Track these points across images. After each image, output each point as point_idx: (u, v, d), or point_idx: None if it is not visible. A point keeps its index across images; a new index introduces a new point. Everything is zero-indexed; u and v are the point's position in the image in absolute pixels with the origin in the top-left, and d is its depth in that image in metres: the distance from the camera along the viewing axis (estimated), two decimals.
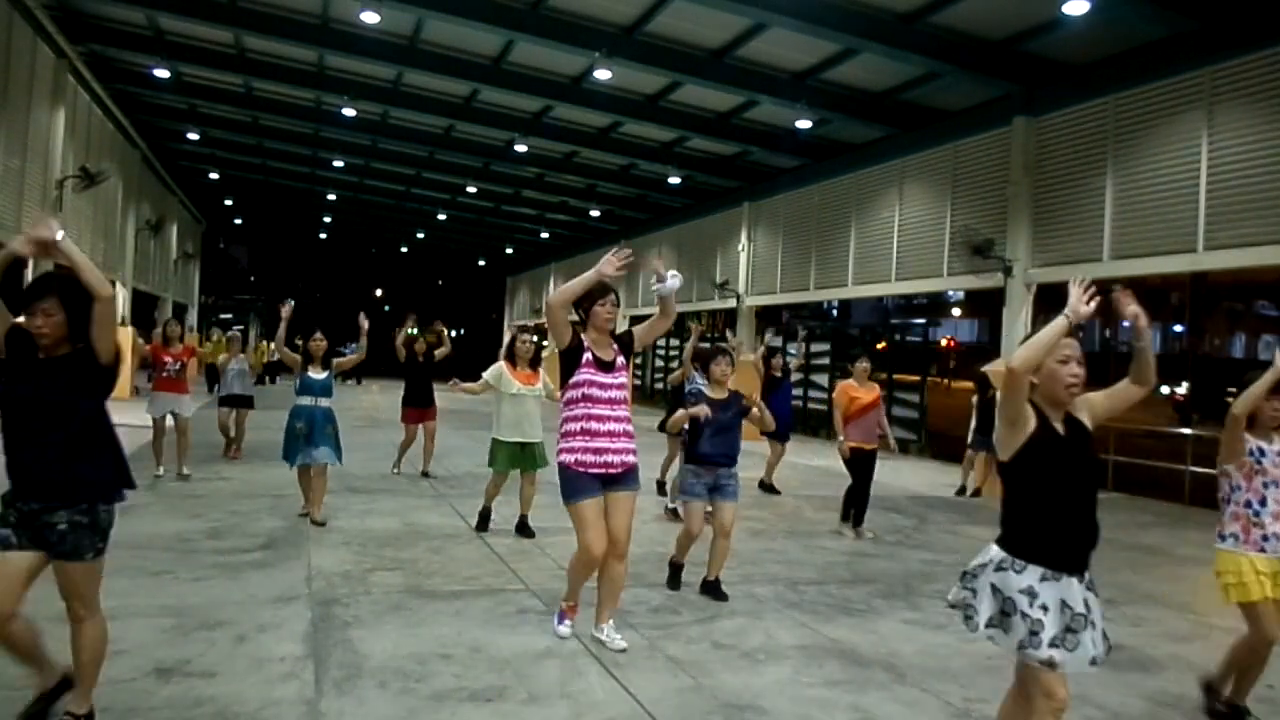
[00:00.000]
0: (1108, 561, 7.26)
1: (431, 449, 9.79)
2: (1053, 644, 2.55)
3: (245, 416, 10.50)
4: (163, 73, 15.23)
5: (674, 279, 4.23)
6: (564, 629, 4.44)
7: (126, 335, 18.82)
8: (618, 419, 4.21)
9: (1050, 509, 2.64)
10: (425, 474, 9.66)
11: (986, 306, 41.77)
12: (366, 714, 3.47)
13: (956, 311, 52.76)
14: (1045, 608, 2.57)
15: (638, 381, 25.84)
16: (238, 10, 12.38)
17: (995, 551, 2.71)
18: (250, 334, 38.70)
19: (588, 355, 4.19)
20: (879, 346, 19.59)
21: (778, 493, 9.80)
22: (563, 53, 12.58)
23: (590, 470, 4.15)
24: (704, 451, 5.39)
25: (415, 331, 10.25)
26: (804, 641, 4.69)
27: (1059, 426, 2.70)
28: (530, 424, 6.83)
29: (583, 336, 4.27)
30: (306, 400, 6.90)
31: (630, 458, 4.25)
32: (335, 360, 7.31)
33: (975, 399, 10.91)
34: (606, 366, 4.23)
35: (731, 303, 19.47)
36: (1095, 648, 2.62)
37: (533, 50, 12.81)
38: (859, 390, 7.59)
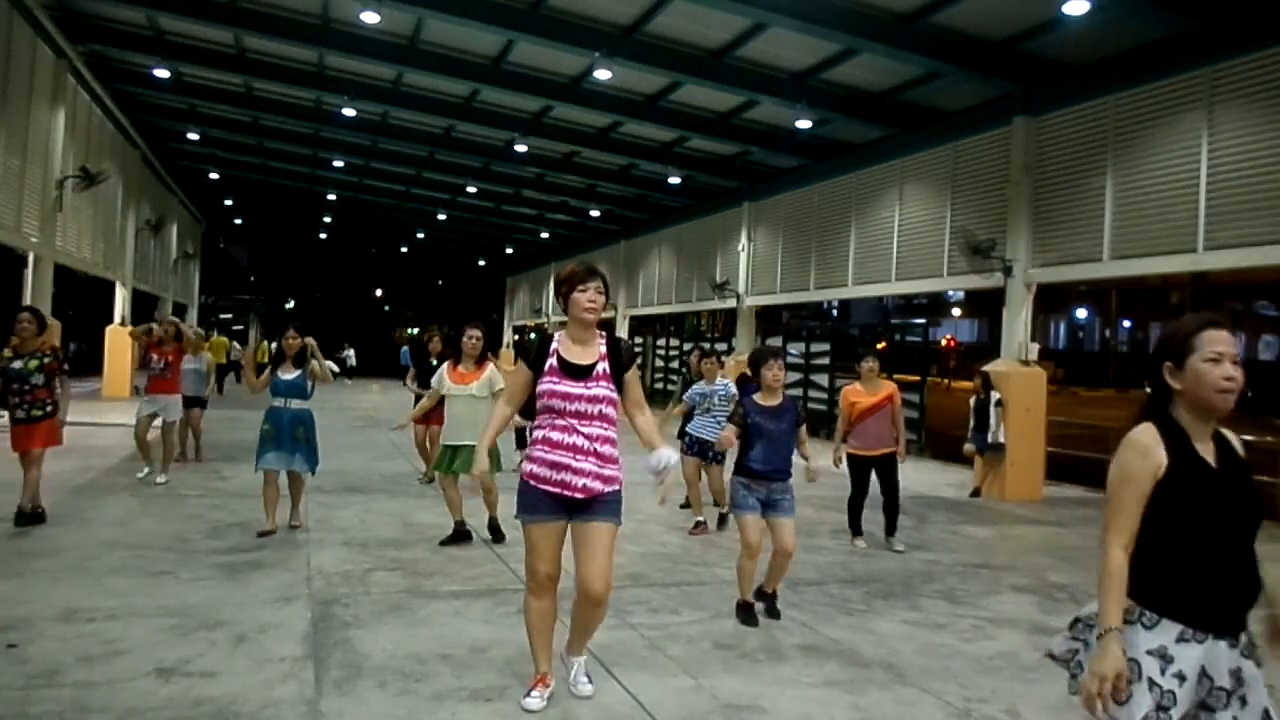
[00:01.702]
0: None
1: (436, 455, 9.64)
2: None
3: (199, 418, 10.20)
4: (163, 73, 15.23)
5: (664, 460, 3.50)
6: (533, 701, 3.55)
7: (126, 335, 18.82)
8: (588, 435, 3.45)
9: (1194, 553, 2.07)
10: (430, 479, 9.47)
11: (986, 306, 41.80)
12: (366, 714, 3.47)
13: (956, 311, 52.82)
14: (1181, 677, 2.00)
15: None
16: (238, 10, 12.37)
17: (1127, 601, 2.12)
18: (251, 334, 38.81)
19: (552, 361, 3.52)
20: (879, 346, 19.60)
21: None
22: (563, 53, 12.57)
23: (544, 487, 3.46)
24: (755, 466, 4.93)
25: (416, 331, 10.22)
26: (804, 641, 4.69)
27: (1207, 453, 2.13)
28: (464, 425, 6.23)
29: (556, 338, 3.61)
30: (277, 402, 6.55)
31: (599, 485, 3.45)
32: (315, 363, 6.73)
33: (974, 399, 10.91)
34: (577, 372, 3.50)
35: (731, 303, 19.47)
36: None
37: (533, 50, 12.80)
38: (860, 394, 7.18)
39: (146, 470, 8.74)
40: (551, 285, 4.29)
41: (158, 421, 8.87)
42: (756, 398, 5.16)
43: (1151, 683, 2.01)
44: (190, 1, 12.19)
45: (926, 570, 6.60)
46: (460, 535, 6.57)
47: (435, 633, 4.46)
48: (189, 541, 6.21)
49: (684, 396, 8.21)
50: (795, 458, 5.16)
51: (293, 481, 6.71)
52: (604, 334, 3.65)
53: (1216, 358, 2.11)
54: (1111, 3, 9.27)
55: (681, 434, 8.46)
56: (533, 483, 3.50)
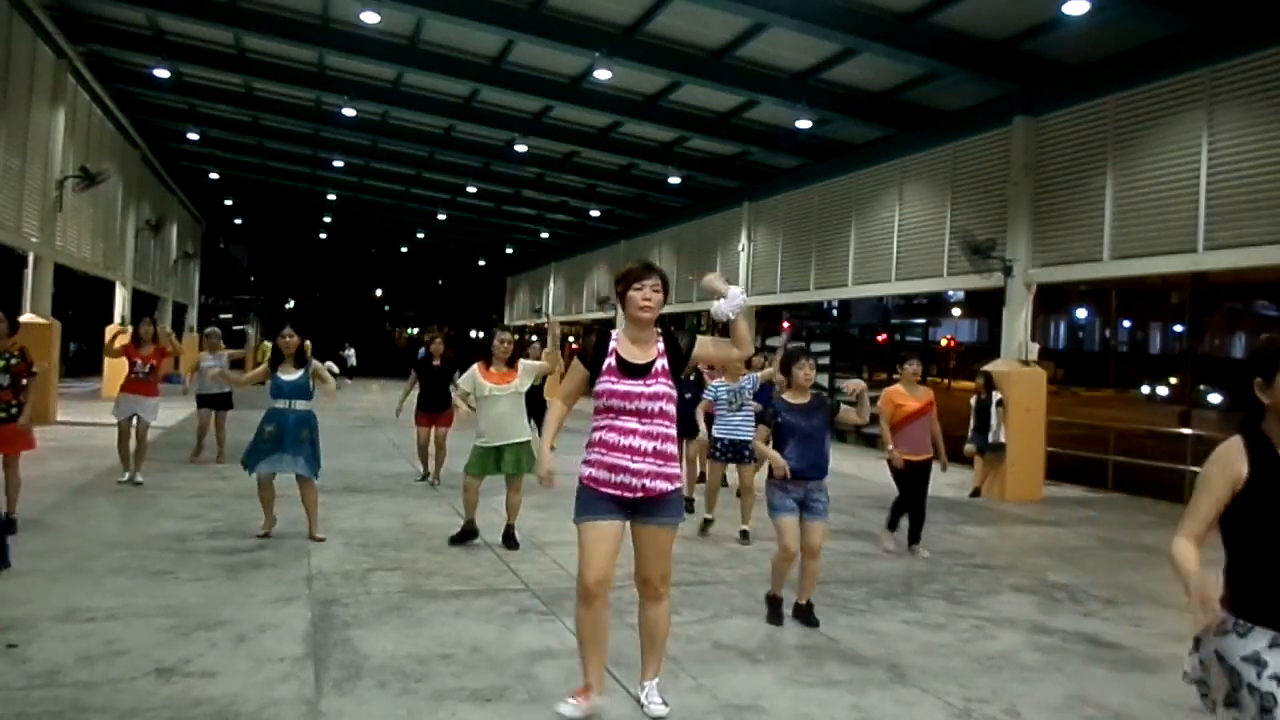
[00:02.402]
0: (1108, 561, 7.27)
1: (443, 458, 9.41)
2: None
3: (224, 418, 10.22)
4: (163, 73, 15.22)
5: (734, 298, 3.52)
6: (567, 708, 3.41)
7: (126, 335, 18.83)
8: (647, 434, 3.41)
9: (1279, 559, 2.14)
10: (433, 483, 9.34)
11: (986, 306, 41.79)
12: (366, 714, 3.47)
13: (956, 311, 52.81)
14: (1278, 679, 2.06)
15: None
16: (238, 10, 12.37)
17: (1221, 611, 2.20)
18: (251, 334, 38.80)
19: (610, 361, 3.50)
20: (879, 339, 19.58)
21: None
22: (563, 53, 12.57)
23: (603, 489, 3.42)
24: (792, 465, 4.85)
25: (416, 332, 10.22)
26: (804, 641, 4.69)
27: None
28: (510, 424, 6.29)
29: (612, 335, 3.60)
30: (280, 404, 6.30)
31: (660, 483, 3.42)
32: (317, 364, 6.62)
33: (974, 399, 10.90)
34: (636, 371, 3.48)
35: None
36: None
37: (533, 50, 12.80)
38: (905, 397, 6.94)
39: (126, 476, 8.47)
40: (616, 281, 4.10)
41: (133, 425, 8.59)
42: (786, 396, 5.12)
43: (1251, 688, 2.09)
44: (190, 1, 12.19)
45: (926, 570, 6.60)
46: (468, 534, 6.57)
47: (435, 633, 4.46)
48: (189, 541, 6.21)
49: (704, 395, 7.79)
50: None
51: (305, 490, 6.43)
52: (660, 330, 3.63)
53: None
54: (1111, 3, 9.26)
55: (686, 431, 8.34)
56: (591, 485, 3.45)
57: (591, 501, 3.44)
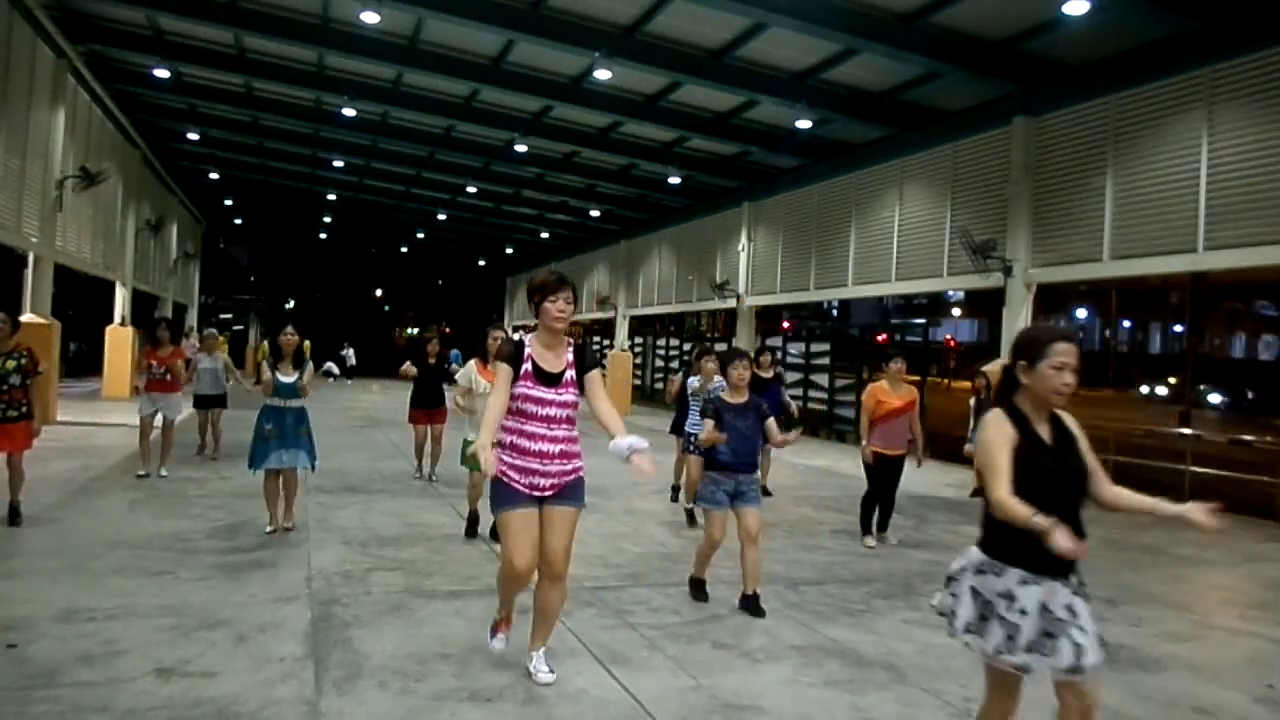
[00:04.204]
0: (1108, 561, 7.27)
1: (438, 452, 9.63)
2: (1028, 649, 2.52)
3: (219, 417, 10.33)
4: (163, 73, 15.23)
5: (629, 448, 3.58)
6: (498, 644, 4.03)
7: (126, 335, 18.84)
8: (554, 439, 3.72)
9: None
10: (430, 478, 9.51)
11: (986, 306, 41.81)
12: (366, 714, 3.47)
13: (956, 311, 52.86)
14: (1024, 611, 2.54)
15: (637, 381, 25.85)
16: (238, 10, 12.38)
17: (975, 554, 2.68)
18: (251, 334, 38.78)
19: (527, 366, 3.72)
20: (879, 339, 19.57)
21: (769, 494, 9.80)
22: (563, 53, 12.58)
23: (517, 485, 3.72)
24: (724, 458, 5.20)
25: (416, 332, 10.32)
26: (804, 641, 4.69)
27: (1044, 432, 2.67)
28: None
29: (527, 341, 3.80)
30: (276, 402, 6.49)
31: (566, 478, 3.76)
32: (315, 365, 6.88)
33: (974, 399, 10.89)
34: (550, 379, 3.73)
35: (731, 303, 19.47)
36: (1081, 654, 2.51)
37: (533, 50, 12.81)
38: (888, 394, 7.11)
39: (144, 470, 8.76)
40: (531, 291, 4.33)
41: (159, 420, 8.99)
42: (724, 395, 5.47)
43: (1001, 618, 2.55)
44: (190, 1, 12.19)
45: (926, 570, 6.60)
46: (475, 521, 6.89)
47: (435, 633, 4.46)
48: (189, 541, 6.21)
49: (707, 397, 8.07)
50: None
51: (287, 481, 6.63)
52: (570, 340, 3.89)
53: (1061, 366, 2.61)
54: (1111, 3, 9.27)
55: (678, 429, 8.62)
56: (505, 481, 3.72)
57: (509, 494, 3.73)
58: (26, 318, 12.38)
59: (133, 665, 3.81)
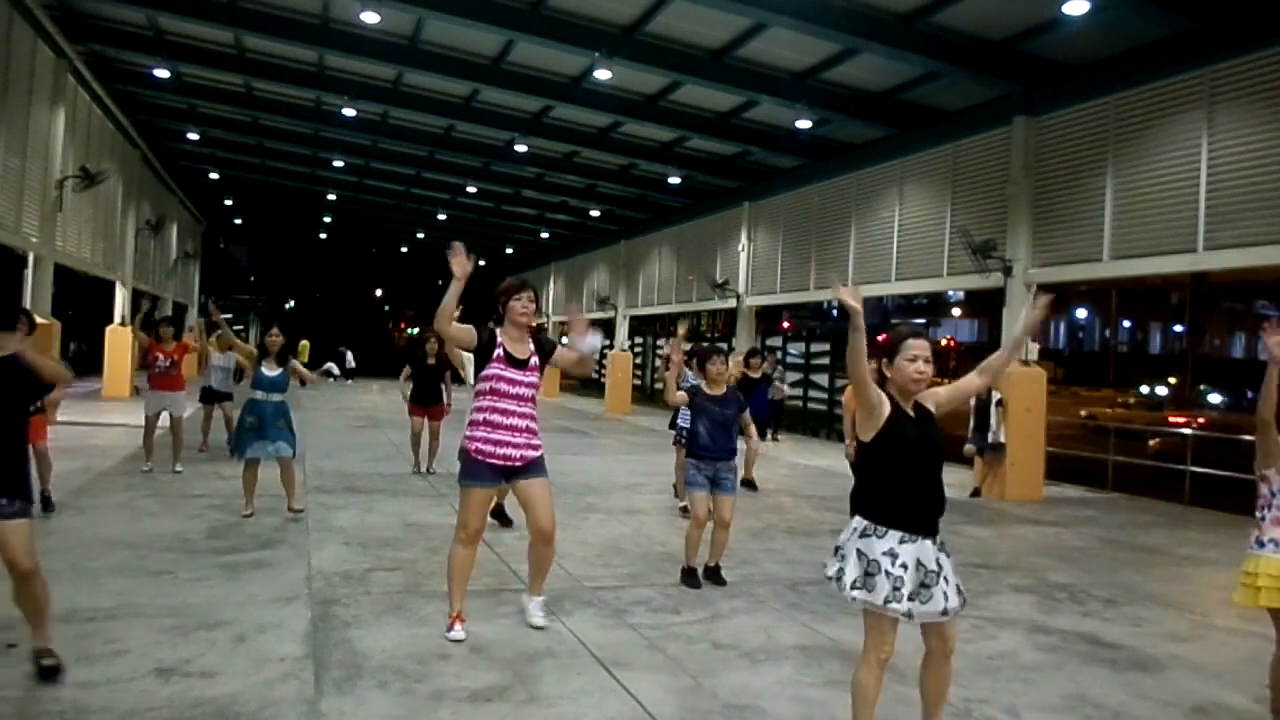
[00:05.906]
0: (1108, 561, 7.28)
1: (436, 447, 9.97)
2: (910, 598, 2.89)
3: (229, 409, 10.35)
4: (163, 73, 15.22)
5: (593, 339, 4.53)
6: (457, 634, 4.34)
7: (126, 335, 18.83)
8: (522, 415, 4.37)
9: (904, 480, 3.00)
10: (428, 471, 9.81)
11: (986, 306, 41.78)
12: (366, 714, 3.47)
13: (956, 311, 52.80)
14: (905, 566, 2.91)
15: (637, 381, 25.85)
16: (238, 10, 12.38)
17: (858, 521, 3.03)
18: (250, 333, 38.78)
19: (499, 351, 4.37)
20: (880, 339, 19.58)
21: (756, 489, 9.83)
22: (563, 53, 12.57)
23: (489, 460, 4.30)
24: (703, 446, 5.64)
25: (416, 332, 10.53)
26: (804, 641, 4.68)
27: (910, 411, 3.09)
28: None
29: (498, 332, 4.43)
30: (258, 395, 6.98)
31: (532, 452, 4.40)
32: (293, 363, 7.27)
33: (974, 399, 10.90)
34: (518, 364, 4.39)
35: (731, 303, 19.47)
36: (948, 600, 2.95)
37: (533, 50, 12.81)
38: None
39: (149, 466, 8.97)
40: (498, 293, 4.73)
41: (164, 420, 9.15)
42: (704, 387, 5.88)
43: (887, 573, 2.90)
44: (190, 1, 12.19)
45: None
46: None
47: (435, 633, 4.46)
48: (189, 541, 6.21)
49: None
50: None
51: (283, 470, 7.08)
52: (531, 333, 4.53)
53: (914, 358, 3.07)
54: (1111, 3, 9.27)
55: (675, 425, 8.72)
56: (479, 456, 4.31)
57: (477, 468, 4.32)
58: None
59: (133, 665, 3.81)
